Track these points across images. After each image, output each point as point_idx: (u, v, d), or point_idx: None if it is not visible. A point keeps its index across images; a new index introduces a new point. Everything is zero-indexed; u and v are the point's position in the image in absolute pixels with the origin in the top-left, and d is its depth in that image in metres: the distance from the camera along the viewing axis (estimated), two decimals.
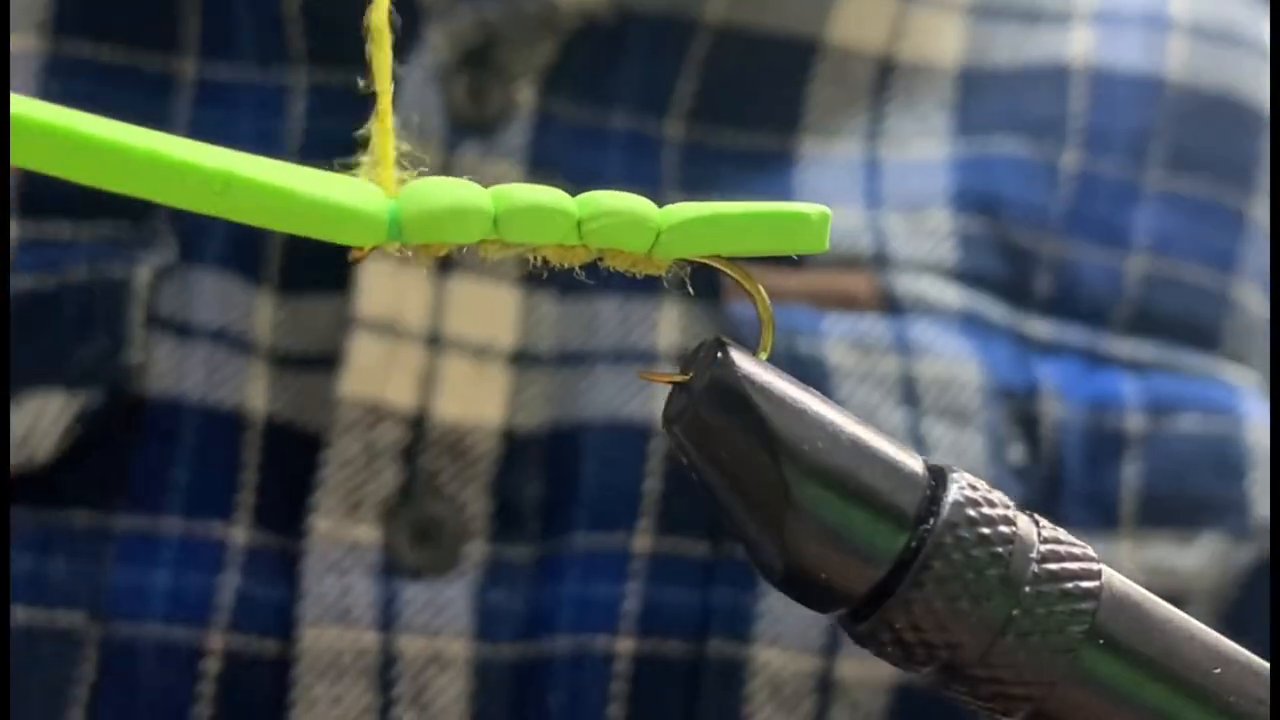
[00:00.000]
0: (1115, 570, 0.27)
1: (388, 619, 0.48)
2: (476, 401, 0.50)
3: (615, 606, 0.49)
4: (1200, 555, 0.52)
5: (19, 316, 0.48)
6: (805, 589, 0.27)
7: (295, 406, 0.50)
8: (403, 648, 0.48)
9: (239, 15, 0.52)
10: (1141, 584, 0.27)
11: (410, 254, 0.27)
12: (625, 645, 0.48)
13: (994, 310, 0.53)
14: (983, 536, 0.26)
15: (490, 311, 0.50)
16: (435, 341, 0.50)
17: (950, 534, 0.26)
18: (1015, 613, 0.26)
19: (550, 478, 0.50)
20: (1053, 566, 0.27)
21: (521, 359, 0.51)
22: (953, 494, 0.27)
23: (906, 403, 0.50)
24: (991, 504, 0.27)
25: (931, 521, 0.26)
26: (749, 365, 0.27)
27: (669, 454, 0.50)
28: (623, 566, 0.49)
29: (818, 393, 0.27)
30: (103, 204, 0.50)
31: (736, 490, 0.27)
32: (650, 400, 0.50)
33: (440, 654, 0.48)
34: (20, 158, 0.22)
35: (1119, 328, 0.54)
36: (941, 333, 0.52)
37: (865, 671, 0.49)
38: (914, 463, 0.27)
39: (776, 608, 0.49)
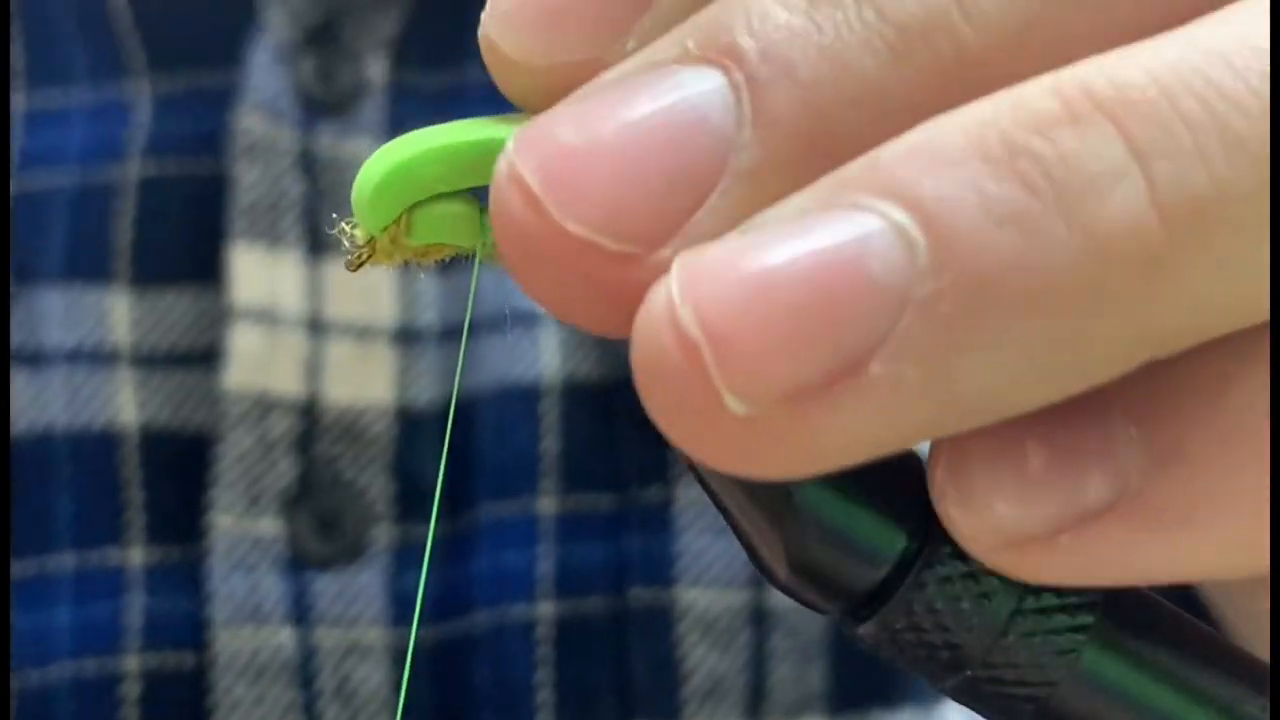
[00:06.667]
0: None
1: (301, 613, 0.48)
2: (366, 383, 0.49)
3: (529, 572, 0.48)
4: None
5: None
6: (806, 590, 0.27)
7: (172, 407, 0.49)
8: (319, 641, 0.48)
9: (66, 42, 0.51)
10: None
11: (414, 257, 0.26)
12: (545, 610, 0.48)
13: None
14: None
15: (368, 290, 0.50)
16: (316, 326, 0.49)
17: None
18: (1017, 613, 0.26)
19: (449, 453, 0.50)
20: None
21: (405, 336, 0.50)
22: None
23: None
24: None
25: (933, 522, 0.26)
26: None
27: (565, 411, 0.49)
28: (531, 531, 0.49)
29: None
30: None
31: (737, 490, 0.26)
32: (538, 362, 0.49)
33: (358, 643, 0.48)
34: None
35: None
36: None
37: None
38: (916, 462, 0.27)
39: (695, 546, 0.49)
